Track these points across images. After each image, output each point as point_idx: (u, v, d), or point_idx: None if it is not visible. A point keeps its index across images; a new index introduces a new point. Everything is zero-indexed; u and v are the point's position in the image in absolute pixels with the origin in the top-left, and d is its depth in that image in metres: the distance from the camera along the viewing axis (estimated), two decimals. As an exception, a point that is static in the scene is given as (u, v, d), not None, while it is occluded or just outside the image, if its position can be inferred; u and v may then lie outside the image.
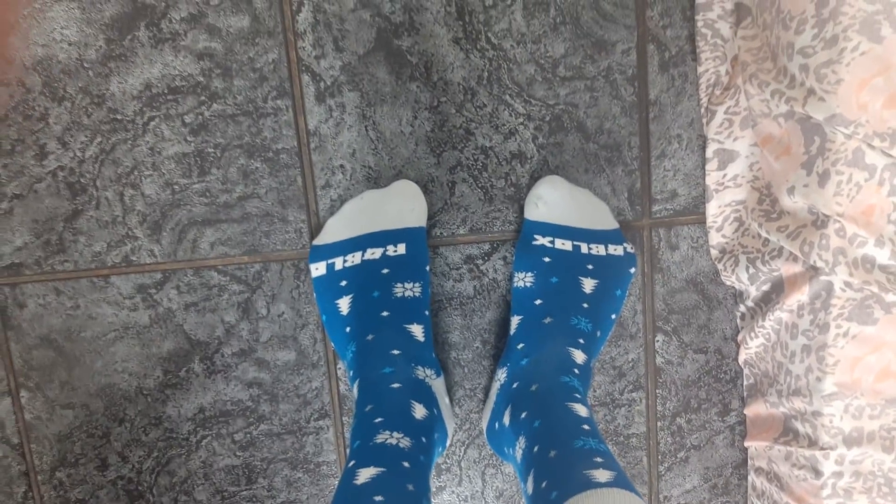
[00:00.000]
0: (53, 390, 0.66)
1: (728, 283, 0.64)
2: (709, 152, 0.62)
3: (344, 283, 0.61)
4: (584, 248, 0.63)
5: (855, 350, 0.53)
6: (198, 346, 0.66)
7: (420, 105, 0.62)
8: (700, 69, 0.61)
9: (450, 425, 0.60)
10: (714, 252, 0.64)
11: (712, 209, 0.63)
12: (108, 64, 0.61)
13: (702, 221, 0.64)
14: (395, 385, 0.56)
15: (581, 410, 0.54)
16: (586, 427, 0.51)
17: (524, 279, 0.63)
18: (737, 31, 0.60)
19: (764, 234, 0.59)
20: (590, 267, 0.62)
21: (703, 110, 0.62)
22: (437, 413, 0.58)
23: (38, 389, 0.66)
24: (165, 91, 0.61)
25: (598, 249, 0.63)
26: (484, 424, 0.63)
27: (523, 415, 0.55)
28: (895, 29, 0.49)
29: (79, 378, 0.66)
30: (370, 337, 0.58)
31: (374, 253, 0.61)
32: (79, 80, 0.61)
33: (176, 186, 0.63)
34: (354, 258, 0.61)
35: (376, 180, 0.63)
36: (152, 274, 0.64)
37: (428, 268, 0.61)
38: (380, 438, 0.52)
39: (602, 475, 0.43)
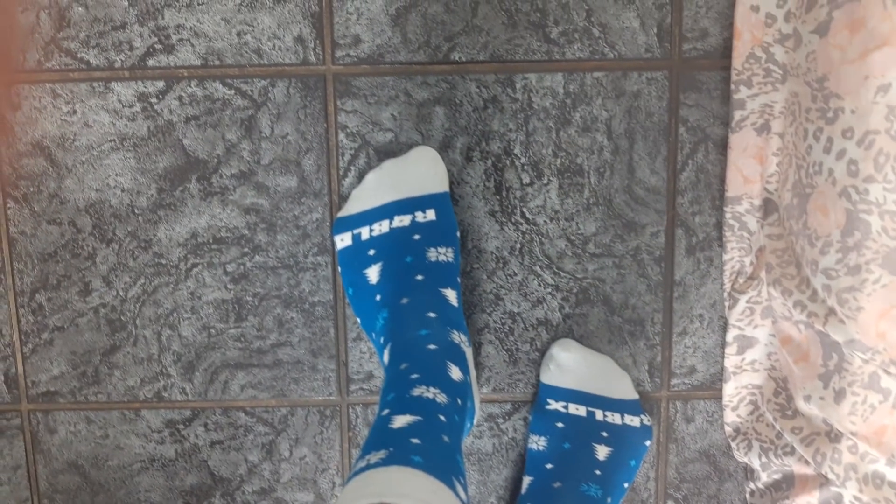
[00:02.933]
0: (75, 513, 0.68)
1: (740, 459, 0.66)
2: (729, 337, 0.64)
3: (372, 251, 0.60)
4: (598, 414, 0.64)
5: (862, 561, 0.55)
6: (220, 483, 0.67)
7: (453, 270, 0.64)
8: (725, 257, 0.63)
9: (477, 400, 0.60)
10: (728, 429, 0.66)
11: (729, 389, 0.65)
12: (157, 212, 0.63)
13: (718, 397, 0.66)
14: (432, 346, 0.55)
15: None
16: None
17: (538, 442, 0.64)
18: (763, 225, 0.62)
19: (778, 428, 0.60)
20: (604, 434, 0.64)
21: (726, 295, 0.64)
22: (468, 382, 0.56)
23: (60, 512, 0.68)
24: (210, 241, 0.64)
25: (614, 418, 0.64)
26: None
27: None
28: (916, 264, 0.51)
29: (101, 504, 0.68)
30: (405, 300, 0.57)
31: (402, 220, 0.60)
32: (128, 225, 0.64)
33: (212, 330, 0.65)
34: (382, 227, 0.60)
35: (406, 336, 0.65)
36: (182, 410, 0.66)
37: (458, 234, 0.61)
38: (416, 392, 0.50)
39: None
